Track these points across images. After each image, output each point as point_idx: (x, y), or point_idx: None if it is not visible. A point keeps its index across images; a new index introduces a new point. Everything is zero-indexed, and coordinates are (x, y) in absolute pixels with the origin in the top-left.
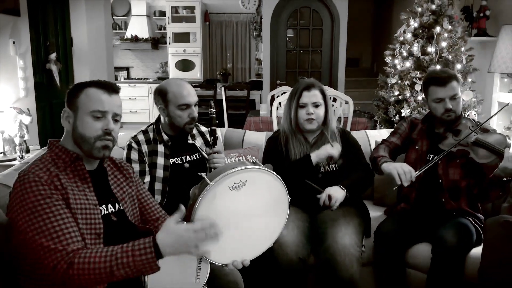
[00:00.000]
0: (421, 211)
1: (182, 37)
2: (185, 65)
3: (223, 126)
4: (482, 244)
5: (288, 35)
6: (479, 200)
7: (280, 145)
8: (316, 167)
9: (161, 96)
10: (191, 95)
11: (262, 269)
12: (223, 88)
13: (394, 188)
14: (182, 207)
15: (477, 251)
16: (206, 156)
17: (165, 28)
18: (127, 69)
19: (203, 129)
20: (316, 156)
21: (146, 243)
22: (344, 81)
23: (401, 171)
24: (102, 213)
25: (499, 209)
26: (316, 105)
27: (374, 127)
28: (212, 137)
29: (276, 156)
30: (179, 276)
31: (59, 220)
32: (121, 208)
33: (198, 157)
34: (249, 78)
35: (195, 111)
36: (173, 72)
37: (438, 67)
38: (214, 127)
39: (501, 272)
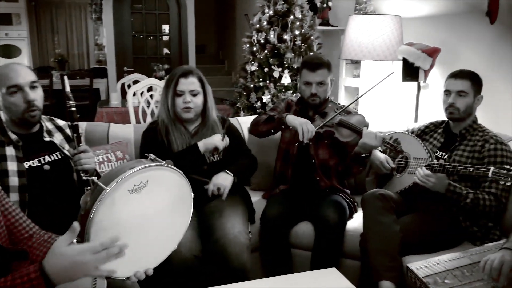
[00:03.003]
0: (298, 190)
1: (2, 19)
2: (7, 50)
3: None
4: (353, 217)
5: (132, 19)
6: (344, 176)
7: (160, 135)
8: (203, 157)
9: None
10: (21, 75)
11: (155, 272)
12: (65, 77)
13: (296, 144)
14: (76, 225)
15: (350, 224)
16: (69, 155)
17: None
18: None
19: (61, 122)
20: (204, 145)
21: (31, 273)
22: None
23: (306, 129)
24: None
25: (362, 183)
26: (193, 94)
27: (237, 114)
28: (75, 134)
29: (157, 148)
30: None
31: None
32: None
33: (59, 156)
34: (88, 65)
35: (29, 93)
36: None
37: (292, 54)
38: (75, 123)
39: (381, 240)
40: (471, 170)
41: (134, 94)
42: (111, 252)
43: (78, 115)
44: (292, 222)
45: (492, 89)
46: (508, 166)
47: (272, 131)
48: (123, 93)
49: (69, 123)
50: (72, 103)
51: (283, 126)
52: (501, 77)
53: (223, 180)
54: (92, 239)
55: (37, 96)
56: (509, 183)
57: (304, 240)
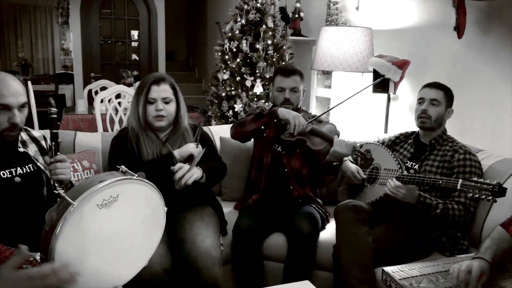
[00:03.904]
0: (271, 199)
1: None
2: None
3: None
4: (325, 228)
5: (101, 24)
6: (317, 185)
7: (130, 143)
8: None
9: None
10: (14, 95)
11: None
12: (29, 82)
13: (287, 135)
14: (23, 247)
15: (323, 235)
16: (43, 168)
17: None
18: None
19: (36, 134)
20: (178, 154)
21: None
22: None
23: (298, 122)
24: None
25: (334, 193)
26: (166, 101)
27: (208, 122)
28: (53, 142)
29: (127, 156)
30: None
31: None
32: None
33: (32, 169)
34: (54, 70)
35: (17, 115)
36: None
37: (264, 64)
38: (55, 131)
39: (353, 251)
40: (440, 182)
41: (102, 101)
42: (61, 278)
43: (59, 123)
44: (264, 233)
45: (460, 102)
46: (476, 178)
47: (262, 127)
48: (90, 100)
49: (50, 130)
50: (54, 109)
51: (275, 120)
52: (469, 91)
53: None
54: (57, 256)
55: (23, 117)
56: (477, 195)
57: (276, 252)
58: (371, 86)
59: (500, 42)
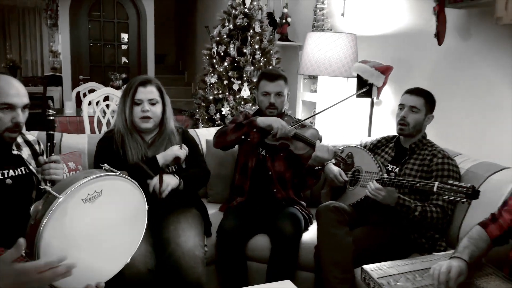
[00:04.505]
0: (255, 202)
1: None
2: None
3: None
4: (309, 229)
5: (90, 26)
6: (300, 189)
7: (116, 145)
8: (159, 169)
9: None
10: (19, 96)
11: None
12: None
13: (271, 139)
14: (21, 241)
15: (306, 236)
16: (34, 171)
17: None
18: None
19: (30, 137)
20: (162, 157)
21: None
22: None
23: (280, 125)
24: None
25: (317, 196)
26: (152, 103)
27: (196, 126)
28: (49, 143)
29: (112, 158)
30: None
31: None
32: None
33: (24, 172)
34: (42, 72)
35: (20, 115)
36: None
37: (252, 68)
38: (51, 132)
39: (334, 252)
40: (418, 184)
41: (90, 103)
42: (57, 272)
43: (56, 125)
44: (248, 234)
45: (440, 106)
46: (451, 181)
47: (243, 137)
48: (78, 102)
49: (46, 131)
50: (52, 111)
51: (254, 129)
52: (447, 95)
53: (168, 178)
54: (42, 250)
55: (25, 119)
56: (452, 198)
57: (260, 253)
58: (355, 92)
59: (478, 48)
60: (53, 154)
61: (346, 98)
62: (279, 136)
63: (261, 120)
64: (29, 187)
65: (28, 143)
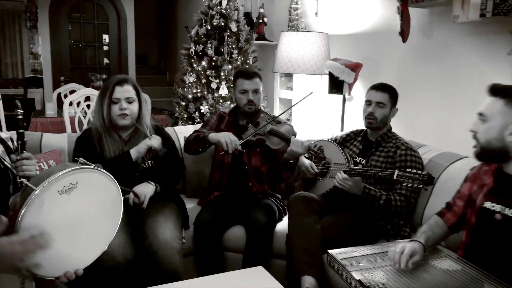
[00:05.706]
0: (232, 196)
1: None
2: None
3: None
4: (283, 219)
5: (70, 28)
6: (275, 182)
7: (93, 143)
8: (135, 164)
9: None
10: None
11: (86, 276)
12: None
13: (221, 153)
14: (3, 218)
15: (280, 226)
16: (10, 166)
17: None
18: None
19: (4, 135)
20: (136, 151)
21: None
22: (135, 79)
23: (228, 140)
24: None
25: (292, 188)
26: (129, 101)
27: (175, 124)
28: (19, 141)
29: (89, 155)
30: None
31: None
32: None
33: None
34: (22, 74)
35: None
36: None
37: (229, 67)
38: (21, 130)
39: (303, 239)
40: (380, 173)
41: (71, 104)
42: (38, 242)
43: (25, 123)
44: (225, 226)
45: (406, 101)
46: (409, 169)
47: (200, 150)
48: (60, 104)
49: (16, 130)
50: (20, 111)
51: (207, 145)
52: (412, 90)
53: (143, 188)
54: None
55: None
56: (410, 184)
57: (236, 243)
58: (326, 87)
59: (440, 45)
60: (24, 151)
61: (302, 99)
62: (230, 151)
63: (211, 137)
64: (6, 182)
65: (1, 140)
